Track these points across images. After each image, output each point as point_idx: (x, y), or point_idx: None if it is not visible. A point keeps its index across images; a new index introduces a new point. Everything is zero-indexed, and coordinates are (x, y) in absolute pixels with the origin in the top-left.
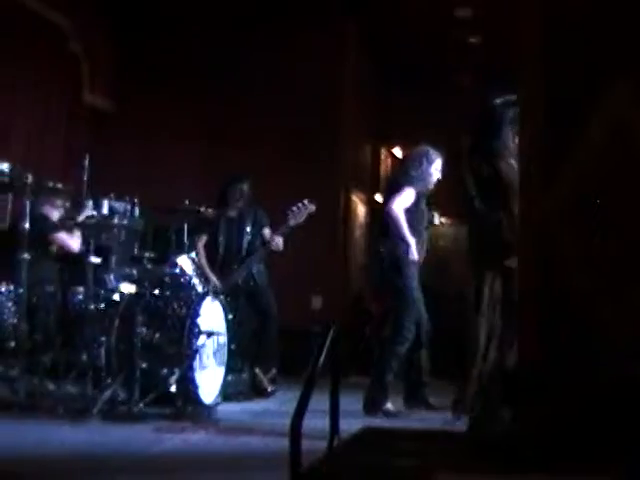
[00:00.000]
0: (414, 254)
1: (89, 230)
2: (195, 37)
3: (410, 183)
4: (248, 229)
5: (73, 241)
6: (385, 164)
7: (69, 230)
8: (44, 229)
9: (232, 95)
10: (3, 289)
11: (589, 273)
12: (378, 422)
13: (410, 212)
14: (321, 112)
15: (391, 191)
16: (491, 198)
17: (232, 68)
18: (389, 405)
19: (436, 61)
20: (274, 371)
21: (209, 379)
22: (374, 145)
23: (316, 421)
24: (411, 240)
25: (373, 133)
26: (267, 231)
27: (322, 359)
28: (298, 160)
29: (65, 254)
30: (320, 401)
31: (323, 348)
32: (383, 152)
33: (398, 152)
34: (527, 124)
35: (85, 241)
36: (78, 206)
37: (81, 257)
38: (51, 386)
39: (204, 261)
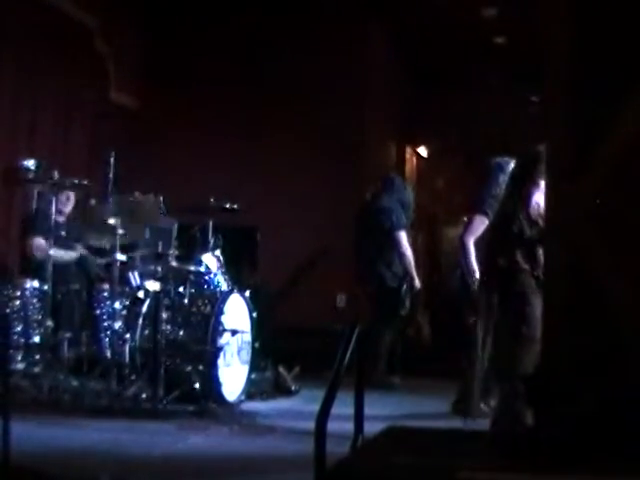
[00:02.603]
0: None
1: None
2: (221, 35)
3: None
4: None
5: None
6: (410, 163)
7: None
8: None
9: (258, 93)
10: (28, 285)
11: (619, 278)
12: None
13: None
14: (347, 111)
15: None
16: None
17: (258, 66)
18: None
19: (462, 60)
20: (297, 369)
21: (233, 377)
22: (399, 144)
23: (340, 421)
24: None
25: (398, 132)
26: None
27: (347, 358)
28: (323, 158)
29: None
30: (344, 400)
31: (348, 347)
32: (408, 151)
33: (423, 151)
34: (553, 123)
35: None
36: (103, 203)
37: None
38: (75, 382)
39: None
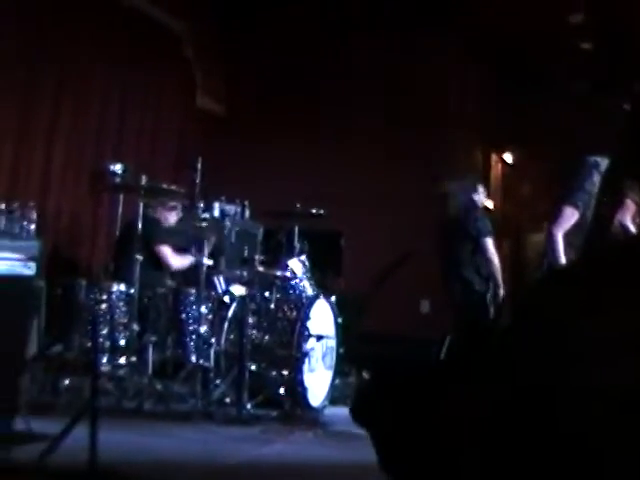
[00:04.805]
0: None
1: (201, 232)
2: (305, 39)
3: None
4: None
5: (175, 259)
6: (495, 169)
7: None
8: (151, 237)
9: (342, 99)
10: (115, 289)
11: None
12: None
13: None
14: (431, 118)
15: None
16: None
17: (342, 70)
18: None
19: (548, 66)
20: None
21: (317, 382)
22: (485, 151)
23: None
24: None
25: (484, 139)
26: None
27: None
28: (407, 164)
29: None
30: None
31: (440, 356)
32: (494, 158)
33: (508, 157)
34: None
35: (197, 243)
36: (190, 209)
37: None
38: (159, 386)
39: None
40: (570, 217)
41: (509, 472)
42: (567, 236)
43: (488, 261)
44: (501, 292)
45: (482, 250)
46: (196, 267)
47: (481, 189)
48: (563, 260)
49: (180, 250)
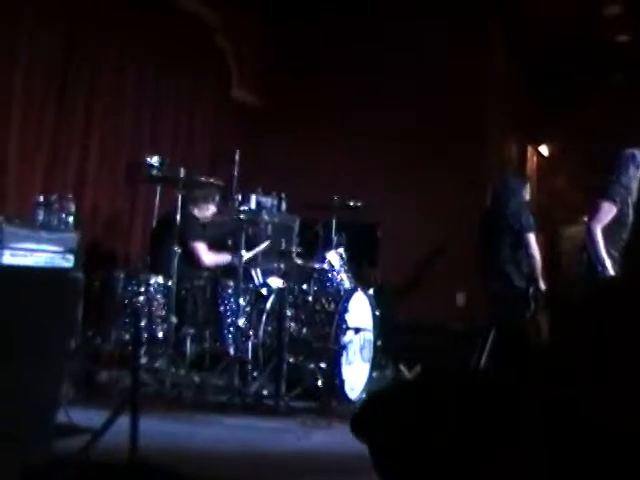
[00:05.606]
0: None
1: (238, 225)
2: (342, 30)
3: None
4: None
5: (209, 256)
6: (531, 162)
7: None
8: (187, 233)
9: (378, 91)
10: (152, 281)
11: None
12: None
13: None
14: (467, 111)
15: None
16: None
17: (379, 64)
18: None
19: (584, 59)
20: (418, 368)
21: (355, 375)
22: (520, 143)
23: None
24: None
25: (520, 131)
26: None
27: (483, 360)
28: (443, 159)
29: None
30: None
31: (484, 348)
32: (529, 150)
33: (544, 150)
34: None
35: (236, 235)
36: (227, 201)
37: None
38: (196, 378)
39: None
40: (608, 212)
41: None
42: (606, 231)
43: (530, 256)
44: (542, 287)
45: (525, 245)
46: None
47: (527, 185)
48: (604, 254)
49: (216, 247)
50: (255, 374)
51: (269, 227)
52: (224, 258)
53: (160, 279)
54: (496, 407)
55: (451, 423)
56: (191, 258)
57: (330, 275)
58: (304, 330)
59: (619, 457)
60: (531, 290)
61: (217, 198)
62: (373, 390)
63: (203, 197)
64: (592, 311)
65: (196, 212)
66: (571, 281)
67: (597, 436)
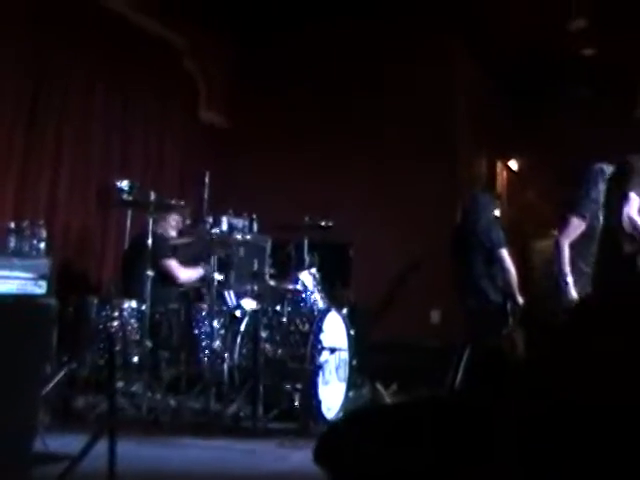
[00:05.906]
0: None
1: (210, 247)
2: (309, 51)
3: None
4: None
5: (183, 271)
6: (501, 177)
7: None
8: (157, 252)
9: (345, 111)
10: (126, 305)
11: None
12: None
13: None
14: (436, 128)
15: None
16: None
17: (346, 83)
18: None
19: (551, 73)
20: (394, 386)
21: (331, 395)
22: (489, 158)
23: None
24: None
25: (489, 146)
26: None
27: (459, 378)
28: (413, 176)
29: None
30: None
31: (460, 366)
32: (499, 165)
33: (514, 165)
34: None
35: (206, 258)
36: (198, 224)
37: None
38: (173, 402)
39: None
40: (577, 227)
41: None
42: (575, 246)
43: (505, 271)
44: (520, 301)
45: (499, 260)
46: (205, 281)
47: (497, 201)
48: (567, 270)
49: (188, 263)
50: (232, 396)
51: (241, 249)
52: (197, 272)
53: (134, 303)
54: (471, 425)
55: (426, 444)
56: (165, 277)
57: (304, 295)
58: (279, 351)
59: (594, 472)
60: (509, 305)
61: (180, 219)
62: (339, 416)
63: (166, 218)
64: (569, 329)
65: (160, 231)
66: (542, 295)
67: (572, 452)
